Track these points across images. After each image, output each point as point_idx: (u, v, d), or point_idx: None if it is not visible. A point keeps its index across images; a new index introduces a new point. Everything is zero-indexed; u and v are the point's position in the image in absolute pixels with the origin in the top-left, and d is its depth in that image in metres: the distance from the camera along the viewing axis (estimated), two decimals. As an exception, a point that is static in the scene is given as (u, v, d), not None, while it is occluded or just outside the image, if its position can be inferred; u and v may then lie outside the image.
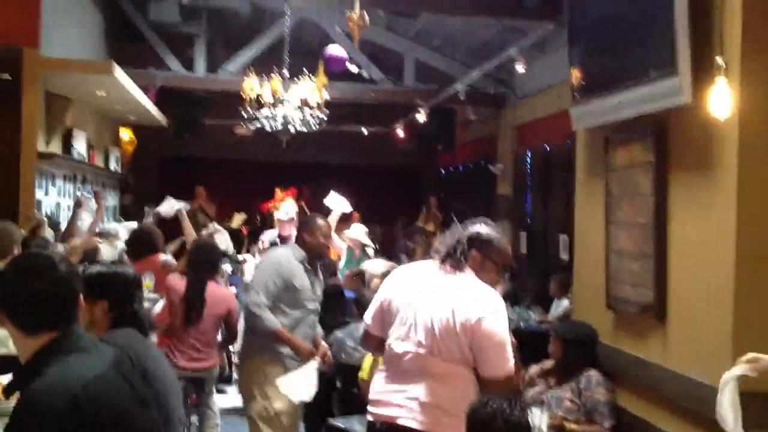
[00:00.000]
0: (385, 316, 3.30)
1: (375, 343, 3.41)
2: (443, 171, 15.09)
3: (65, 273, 2.12)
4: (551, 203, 9.92)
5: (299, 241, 4.78)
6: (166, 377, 2.82)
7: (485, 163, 11.98)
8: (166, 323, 5.29)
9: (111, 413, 2.02)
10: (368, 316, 3.43)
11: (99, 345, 2.20)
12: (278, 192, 12.15)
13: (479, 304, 3.09)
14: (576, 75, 4.63)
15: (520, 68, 7.83)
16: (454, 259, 3.19)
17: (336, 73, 8.36)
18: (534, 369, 4.70)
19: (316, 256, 4.77)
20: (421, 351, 3.09)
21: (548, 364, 4.69)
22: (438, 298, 3.13)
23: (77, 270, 2.22)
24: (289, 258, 4.65)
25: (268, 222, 11.94)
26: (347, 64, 9.61)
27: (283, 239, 7.59)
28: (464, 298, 3.10)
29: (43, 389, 1.95)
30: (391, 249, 12.80)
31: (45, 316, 2.07)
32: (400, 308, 3.22)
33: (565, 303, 7.81)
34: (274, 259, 4.70)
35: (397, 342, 3.19)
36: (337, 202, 8.19)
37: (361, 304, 5.63)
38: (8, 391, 2.09)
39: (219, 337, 5.56)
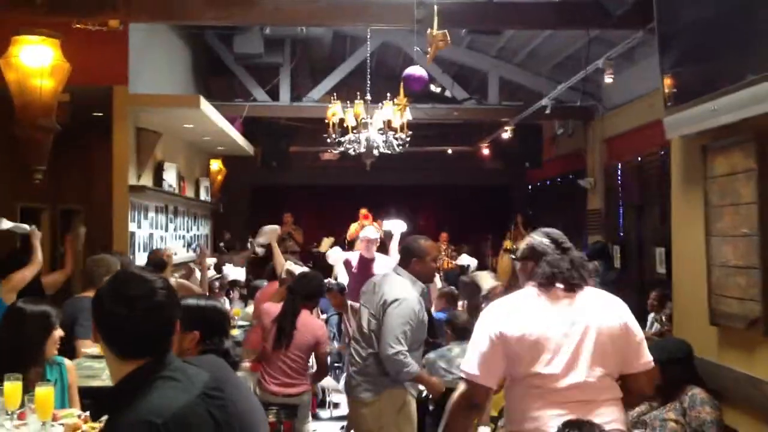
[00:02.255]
0: (513, 355, 2.94)
1: (482, 396, 3.02)
2: (531, 187, 14.83)
3: (164, 301, 2.11)
4: (646, 216, 9.59)
5: (409, 268, 4.48)
6: (252, 406, 2.78)
7: (574, 178, 11.70)
8: (257, 348, 5.29)
9: None
10: (473, 366, 2.97)
11: (190, 371, 2.17)
12: (361, 215, 12.20)
13: (617, 309, 3.05)
14: (668, 83, 4.43)
15: (608, 79, 7.60)
16: (572, 280, 3.02)
17: (416, 93, 8.32)
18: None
19: (427, 282, 4.65)
20: (593, 378, 2.90)
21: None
22: (586, 319, 2.95)
23: (176, 297, 2.20)
24: (417, 298, 4.41)
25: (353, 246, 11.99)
26: (429, 84, 9.56)
27: (365, 260, 7.56)
28: (604, 310, 3.01)
29: (125, 422, 1.94)
30: (482, 269, 12.60)
31: (139, 343, 2.06)
32: (546, 341, 2.91)
33: (663, 317, 7.50)
34: (409, 304, 4.32)
35: (555, 378, 2.90)
36: (395, 225, 8.23)
37: (454, 325, 5.51)
38: (97, 414, 2.08)
39: (312, 365, 5.54)
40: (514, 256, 3.29)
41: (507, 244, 13.26)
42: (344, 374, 8.03)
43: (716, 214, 4.10)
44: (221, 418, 2.13)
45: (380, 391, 4.34)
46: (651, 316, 7.81)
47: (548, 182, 13.66)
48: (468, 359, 3.01)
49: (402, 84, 7.45)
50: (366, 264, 7.62)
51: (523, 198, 15.12)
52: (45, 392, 3.08)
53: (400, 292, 4.32)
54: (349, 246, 12.10)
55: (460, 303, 8.31)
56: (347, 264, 7.92)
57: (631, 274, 9.80)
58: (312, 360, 5.53)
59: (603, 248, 10.03)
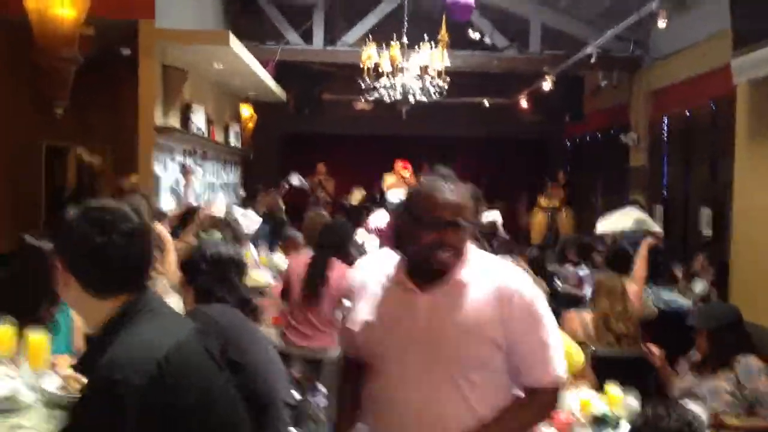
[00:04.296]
0: None
1: None
2: (570, 143, 14.34)
3: (142, 223, 1.85)
4: (692, 174, 9.15)
5: None
6: (265, 355, 2.53)
7: (616, 133, 11.23)
8: (282, 300, 5.05)
9: (194, 386, 1.74)
10: None
11: (174, 311, 1.93)
12: (396, 167, 11.87)
13: None
14: (738, 20, 4.01)
15: (661, 23, 7.12)
16: None
17: (460, 23, 7.89)
18: (683, 364, 4.16)
19: None
20: None
21: (696, 355, 4.14)
22: None
23: (150, 224, 1.93)
24: None
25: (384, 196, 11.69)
26: (470, 24, 9.11)
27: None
28: None
29: (120, 360, 1.66)
30: (514, 227, 12.27)
31: (121, 274, 1.80)
32: None
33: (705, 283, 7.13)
34: None
35: None
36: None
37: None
38: (81, 365, 1.81)
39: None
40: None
41: (542, 201, 12.88)
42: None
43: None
44: (218, 358, 1.87)
45: None
46: (698, 280, 7.42)
47: (588, 137, 13.18)
48: None
49: (445, 14, 7.02)
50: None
51: (561, 153, 14.64)
52: (38, 339, 2.83)
53: None
54: (380, 200, 11.81)
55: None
56: (380, 233, 7.52)
57: (674, 236, 9.38)
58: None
59: (633, 204, 9.61)
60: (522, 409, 2.27)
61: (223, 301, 2.68)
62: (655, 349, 4.18)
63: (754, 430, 3.63)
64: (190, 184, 7.15)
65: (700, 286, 7.14)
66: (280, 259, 6.77)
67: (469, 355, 2.18)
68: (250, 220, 7.49)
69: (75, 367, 1.94)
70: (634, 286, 5.32)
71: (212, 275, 2.76)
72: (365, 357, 2.26)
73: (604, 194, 12.42)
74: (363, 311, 2.24)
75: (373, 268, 2.31)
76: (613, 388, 3.52)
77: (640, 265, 5.61)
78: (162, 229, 4.79)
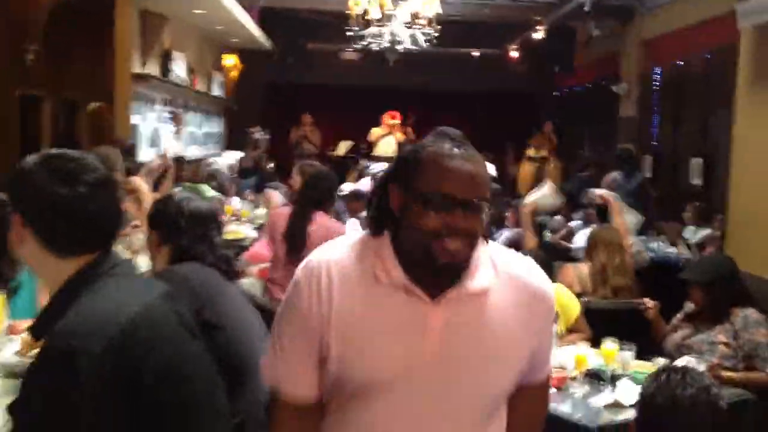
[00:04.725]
0: None
1: None
2: (559, 93, 14.13)
3: (107, 177, 1.66)
4: (683, 125, 9.03)
5: None
6: (243, 316, 2.38)
7: (606, 84, 11.04)
8: (261, 260, 4.89)
9: (163, 355, 1.55)
10: None
11: (143, 274, 1.75)
12: (384, 118, 11.66)
13: None
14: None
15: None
16: None
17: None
18: (677, 317, 4.05)
19: None
20: None
21: (690, 307, 4.03)
22: None
23: (116, 177, 1.75)
24: None
25: (371, 150, 11.52)
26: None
27: None
28: None
29: (78, 326, 1.48)
30: (502, 177, 12.11)
31: (88, 231, 1.61)
32: None
33: (704, 232, 7.03)
34: None
35: None
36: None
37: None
38: (35, 330, 1.62)
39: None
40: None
41: (530, 151, 12.74)
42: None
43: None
44: (190, 324, 1.70)
45: None
46: (691, 229, 7.33)
47: (578, 88, 12.98)
48: None
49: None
50: None
51: (550, 105, 14.45)
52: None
53: None
54: (366, 151, 11.62)
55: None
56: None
57: (663, 185, 9.27)
58: None
59: (624, 155, 9.48)
60: (536, 416, 1.88)
61: (201, 260, 2.49)
62: (648, 302, 4.07)
63: (751, 382, 3.53)
64: (181, 133, 6.85)
65: (701, 234, 7.05)
66: (261, 211, 6.59)
67: (495, 385, 1.67)
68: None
69: (29, 333, 1.74)
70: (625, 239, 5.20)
71: (191, 233, 2.54)
72: (337, 388, 1.65)
73: (592, 145, 12.28)
74: (339, 325, 1.59)
75: (342, 260, 1.65)
76: (608, 343, 3.41)
77: (617, 220, 5.49)
78: (140, 182, 4.58)
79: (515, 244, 5.19)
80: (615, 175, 9.36)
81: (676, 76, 9.22)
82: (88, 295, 1.55)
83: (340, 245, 1.69)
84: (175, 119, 7.11)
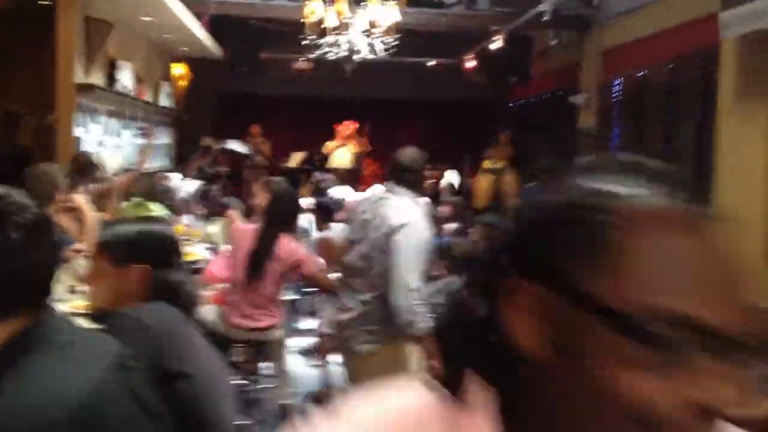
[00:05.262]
0: None
1: None
2: (516, 105, 14.01)
3: (41, 218, 1.33)
4: (646, 136, 8.89)
5: (412, 187, 3.65)
6: (211, 370, 2.04)
7: (565, 95, 10.92)
8: (218, 281, 4.55)
9: None
10: None
11: (88, 335, 1.41)
12: (339, 129, 11.38)
13: None
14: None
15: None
16: None
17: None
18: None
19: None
20: None
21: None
22: None
23: (53, 221, 1.41)
24: (425, 221, 3.63)
25: (325, 162, 11.23)
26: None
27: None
28: None
29: (13, 413, 1.18)
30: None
31: (18, 288, 1.28)
32: None
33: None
34: (419, 228, 3.51)
35: None
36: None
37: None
38: None
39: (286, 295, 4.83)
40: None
41: (487, 163, 12.57)
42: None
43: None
44: (146, 395, 1.38)
45: (381, 342, 3.55)
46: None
47: (535, 99, 12.87)
48: None
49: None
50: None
51: (506, 116, 14.32)
52: None
53: (406, 214, 3.54)
54: (320, 163, 11.31)
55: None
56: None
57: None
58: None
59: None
60: None
61: (171, 297, 2.13)
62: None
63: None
64: (148, 150, 6.30)
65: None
66: (215, 229, 6.22)
67: None
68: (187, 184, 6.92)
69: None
70: None
71: (162, 261, 2.15)
72: None
73: (552, 156, 12.15)
74: None
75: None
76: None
77: None
78: (82, 201, 4.21)
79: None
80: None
81: (637, 87, 9.11)
82: (24, 372, 1.22)
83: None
84: (146, 134, 6.63)
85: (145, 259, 2.10)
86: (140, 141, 6.84)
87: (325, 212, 6.08)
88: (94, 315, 2.12)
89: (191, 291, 2.21)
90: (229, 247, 4.65)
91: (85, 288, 3.34)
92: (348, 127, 11.31)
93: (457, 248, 4.87)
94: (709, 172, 6.51)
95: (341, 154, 11.45)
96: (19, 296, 1.28)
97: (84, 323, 2.23)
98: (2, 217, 1.26)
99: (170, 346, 1.92)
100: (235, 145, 8.12)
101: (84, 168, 5.63)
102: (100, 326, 1.97)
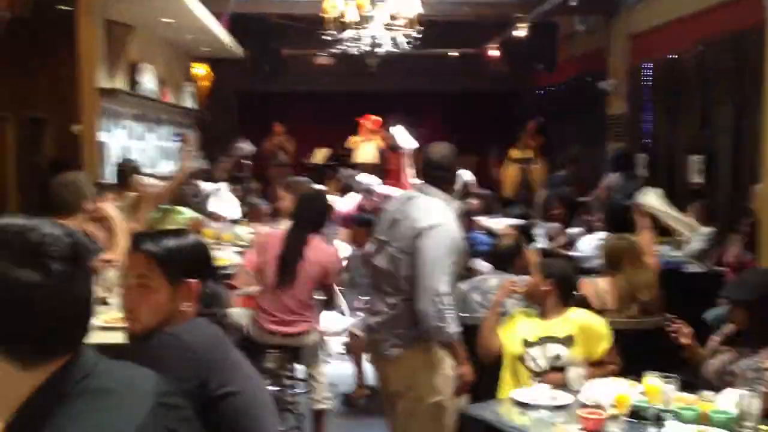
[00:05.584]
0: None
1: None
2: (543, 92, 13.77)
3: (85, 253, 1.21)
4: (679, 120, 8.67)
5: (439, 185, 3.50)
6: (255, 388, 1.93)
7: (593, 81, 10.70)
8: (252, 284, 4.46)
9: None
10: None
11: (125, 372, 1.29)
12: (362, 123, 11.25)
13: None
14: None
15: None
16: None
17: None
18: (714, 340, 3.66)
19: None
20: None
21: (729, 328, 3.65)
22: None
23: (91, 249, 1.30)
24: (455, 222, 3.48)
25: (351, 157, 11.11)
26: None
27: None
28: None
29: None
30: (486, 180, 11.73)
31: (58, 332, 1.16)
32: None
33: (706, 230, 6.70)
34: (448, 229, 3.37)
35: None
36: (406, 138, 7.11)
37: (496, 252, 4.61)
38: None
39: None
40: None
41: (514, 153, 12.40)
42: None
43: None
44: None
45: (410, 346, 3.40)
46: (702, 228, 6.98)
47: (562, 86, 12.63)
48: None
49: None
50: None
51: (533, 104, 14.10)
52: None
53: (435, 215, 3.39)
54: (345, 159, 11.19)
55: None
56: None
57: (661, 185, 8.92)
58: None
59: (622, 156, 9.17)
60: None
61: (212, 315, 2.00)
62: (681, 325, 3.67)
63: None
64: (188, 155, 6.07)
65: (705, 230, 6.70)
66: (243, 231, 6.12)
67: None
68: (226, 203, 6.80)
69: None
70: (647, 251, 4.82)
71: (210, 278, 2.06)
72: None
73: (581, 144, 11.95)
74: None
75: None
76: (651, 378, 3.00)
77: (643, 226, 5.14)
78: (111, 209, 4.12)
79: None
80: (614, 177, 9.05)
81: (669, 70, 8.88)
82: (59, 421, 1.11)
83: None
84: (184, 139, 6.40)
85: (199, 273, 2.00)
86: (179, 146, 6.73)
87: (365, 225, 5.68)
88: (138, 336, 1.97)
89: (226, 302, 2.11)
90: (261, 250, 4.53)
91: (118, 300, 3.26)
92: (371, 121, 11.17)
93: (500, 244, 4.68)
94: (754, 156, 6.34)
95: (366, 149, 11.32)
96: (60, 336, 1.16)
97: (119, 338, 2.13)
98: (38, 249, 1.14)
99: (216, 368, 1.83)
100: (247, 146, 8.01)
101: (128, 175, 5.60)
102: (141, 347, 1.87)
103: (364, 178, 7.17)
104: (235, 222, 6.66)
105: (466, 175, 9.95)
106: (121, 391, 1.20)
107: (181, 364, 1.75)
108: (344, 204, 6.96)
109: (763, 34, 3.93)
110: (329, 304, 4.74)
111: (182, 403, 1.30)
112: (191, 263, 1.99)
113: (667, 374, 3.00)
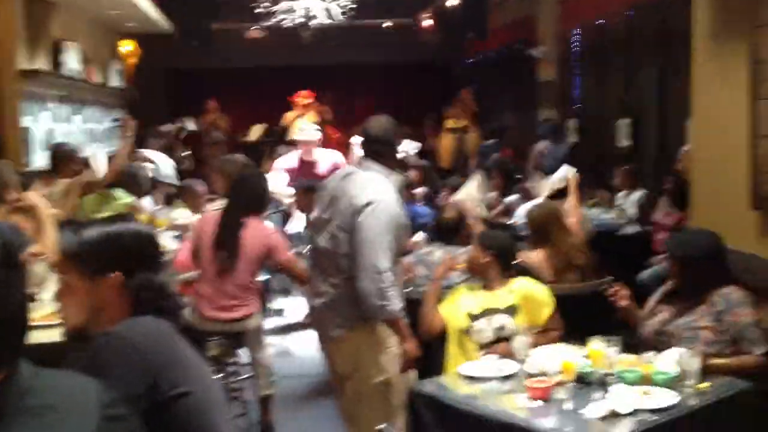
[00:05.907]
0: None
1: None
2: (475, 60, 13.80)
3: (11, 251, 1.13)
4: (607, 85, 8.81)
5: (384, 160, 3.43)
6: (207, 386, 1.86)
7: (523, 47, 10.76)
8: (188, 269, 4.36)
9: None
10: None
11: (65, 383, 1.21)
12: (295, 99, 11.10)
13: None
14: None
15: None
16: None
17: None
18: (653, 298, 3.73)
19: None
20: None
21: (669, 286, 3.72)
22: None
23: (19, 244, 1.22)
24: (396, 197, 3.42)
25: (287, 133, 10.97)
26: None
27: (307, 165, 6.53)
28: None
29: None
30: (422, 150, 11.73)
31: None
32: None
33: (636, 195, 6.85)
34: (387, 205, 3.30)
35: None
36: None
37: (440, 224, 4.59)
38: None
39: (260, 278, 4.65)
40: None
41: (449, 123, 12.44)
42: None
43: (768, 72, 3.27)
44: None
45: (354, 326, 3.36)
46: (621, 194, 7.13)
47: (494, 54, 12.68)
48: None
49: None
50: (307, 169, 6.55)
51: (465, 73, 14.13)
52: None
53: (374, 191, 3.34)
54: (281, 136, 11.04)
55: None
56: (291, 173, 6.69)
57: (589, 149, 9.07)
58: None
59: (553, 129, 9.30)
60: None
61: (158, 310, 1.86)
62: (619, 288, 3.73)
63: (743, 368, 3.24)
64: (126, 139, 5.78)
65: (634, 198, 6.85)
66: (181, 214, 5.96)
67: None
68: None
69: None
70: (571, 216, 4.88)
71: (147, 269, 1.89)
72: None
73: (514, 111, 12.05)
74: None
75: None
76: (595, 343, 3.05)
77: (574, 197, 5.20)
78: (35, 197, 3.95)
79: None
80: (543, 144, 9.17)
81: (597, 36, 8.99)
82: None
83: None
84: (124, 124, 6.04)
85: (121, 266, 1.85)
86: (117, 130, 6.50)
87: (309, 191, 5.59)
88: (71, 335, 1.88)
89: (175, 294, 2.00)
90: (197, 233, 4.42)
91: (49, 297, 3.14)
92: (303, 95, 11.02)
93: (441, 218, 4.67)
94: (680, 119, 6.48)
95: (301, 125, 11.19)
96: None
97: (57, 337, 2.02)
98: None
99: (164, 369, 1.72)
100: (189, 123, 7.87)
101: (61, 160, 5.39)
102: (81, 348, 1.77)
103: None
104: (169, 205, 6.51)
105: (411, 147, 9.95)
106: (63, 408, 1.14)
107: (127, 367, 1.66)
108: (285, 161, 6.83)
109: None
110: (300, 282, 4.61)
111: (127, 412, 1.24)
112: (111, 255, 1.85)
113: (609, 337, 3.06)
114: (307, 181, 6.01)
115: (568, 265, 4.30)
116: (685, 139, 6.07)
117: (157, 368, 1.70)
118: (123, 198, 5.45)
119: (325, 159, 6.64)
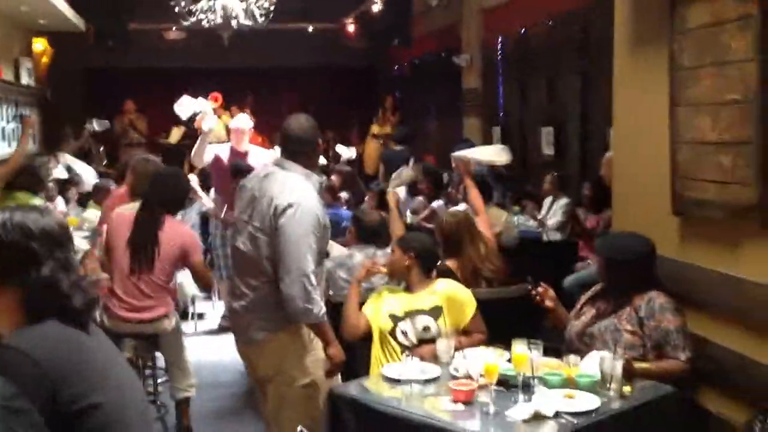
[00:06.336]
0: None
1: None
2: (399, 67, 13.83)
3: None
4: (530, 93, 8.91)
5: (298, 160, 3.33)
6: (122, 393, 1.71)
7: (448, 55, 10.82)
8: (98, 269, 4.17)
9: None
10: None
11: None
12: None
13: None
14: None
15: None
16: None
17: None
18: (582, 300, 3.74)
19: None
20: None
21: (597, 288, 3.73)
22: None
23: None
24: (316, 197, 3.31)
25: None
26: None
27: (237, 155, 6.35)
28: None
29: None
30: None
31: None
32: None
33: (563, 201, 6.93)
34: (309, 206, 3.20)
35: None
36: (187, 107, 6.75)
37: (361, 225, 4.52)
38: None
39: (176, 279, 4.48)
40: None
41: (374, 129, 12.44)
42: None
43: (688, 78, 3.30)
44: None
45: (277, 328, 3.25)
46: (548, 200, 7.20)
47: (419, 61, 12.72)
48: None
49: None
50: (238, 159, 6.36)
51: (391, 79, 14.13)
52: None
53: (295, 192, 3.24)
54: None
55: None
56: (217, 161, 6.49)
57: (514, 157, 9.13)
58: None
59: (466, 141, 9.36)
60: None
61: (62, 314, 1.66)
62: (546, 289, 3.72)
63: (667, 373, 3.25)
64: (26, 138, 5.50)
65: (561, 204, 6.92)
66: (93, 215, 5.73)
67: None
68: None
69: None
70: (480, 218, 4.85)
71: (50, 265, 1.68)
72: None
73: (438, 118, 12.11)
74: None
75: None
76: (518, 346, 3.02)
77: (474, 195, 5.14)
78: None
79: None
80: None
81: (520, 44, 9.09)
82: None
83: None
84: (25, 122, 5.70)
85: (3, 271, 1.66)
86: (19, 128, 6.18)
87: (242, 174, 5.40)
88: None
89: (85, 292, 1.80)
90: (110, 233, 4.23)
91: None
92: (211, 98, 10.78)
93: (364, 218, 4.60)
94: (601, 126, 6.58)
95: (217, 128, 10.96)
96: None
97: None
98: None
99: (67, 380, 1.56)
100: (97, 125, 7.57)
101: None
102: None
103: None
104: (82, 205, 6.26)
105: (346, 153, 9.86)
106: None
107: (23, 380, 1.48)
108: (219, 150, 6.60)
109: (610, 7, 4.02)
110: (204, 287, 4.51)
111: (29, 407, 1.14)
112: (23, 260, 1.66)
113: (532, 340, 3.03)
114: (245, 164, 5.87)
115: (476, 277, 4.26)
116: (607, 146, 6.18)
117: (56, 380, 1.54)
118: (27, 200, 5.17)
119: (256, 154, 6.44)
